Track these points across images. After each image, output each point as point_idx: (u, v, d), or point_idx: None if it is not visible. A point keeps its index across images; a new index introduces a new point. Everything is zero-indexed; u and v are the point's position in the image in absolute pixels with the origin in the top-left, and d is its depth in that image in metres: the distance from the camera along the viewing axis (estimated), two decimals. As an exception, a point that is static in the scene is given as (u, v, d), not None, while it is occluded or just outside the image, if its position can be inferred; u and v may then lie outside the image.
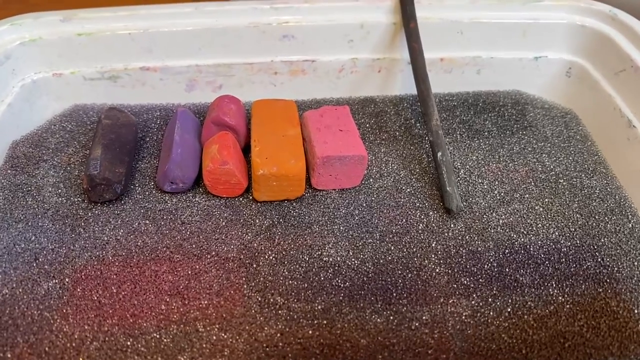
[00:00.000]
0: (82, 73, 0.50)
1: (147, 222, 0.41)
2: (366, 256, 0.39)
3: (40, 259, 0.38)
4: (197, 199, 0.43)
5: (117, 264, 0.38)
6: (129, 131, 0.45)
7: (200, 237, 0.40)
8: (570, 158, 0.47)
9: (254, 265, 0.38)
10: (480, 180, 0.45)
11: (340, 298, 0.37)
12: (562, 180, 0.45)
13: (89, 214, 0.41)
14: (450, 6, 0.51)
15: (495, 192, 0.44)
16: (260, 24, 0.50)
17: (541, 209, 0.43)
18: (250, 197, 0.43)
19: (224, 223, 0.41)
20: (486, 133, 0.49)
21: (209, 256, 0.39)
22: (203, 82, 0.52)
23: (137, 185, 0.44)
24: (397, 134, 0.49)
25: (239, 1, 0.50)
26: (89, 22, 0.49)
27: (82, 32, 0.49)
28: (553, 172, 0.46)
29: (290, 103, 0.47)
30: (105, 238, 0.40)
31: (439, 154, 0.44)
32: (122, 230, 0.40)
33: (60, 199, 0.42)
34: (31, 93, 0.49)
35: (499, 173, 0.46)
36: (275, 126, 0.44)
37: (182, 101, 0.53)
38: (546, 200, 0.43)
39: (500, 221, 0.42)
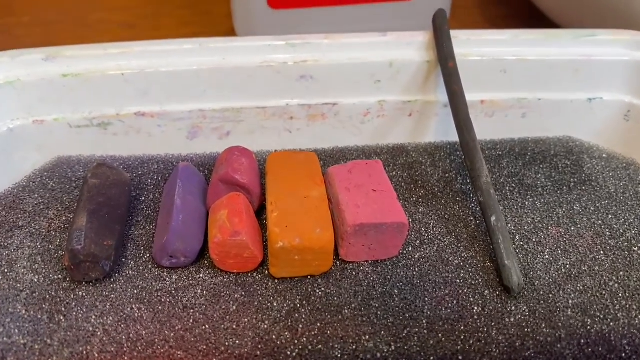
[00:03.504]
0: (68, 120, 0.43)
1: (142, 306, 0.34)
2: (413, 351, 0.32)
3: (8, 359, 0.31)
4: (201, 276, 0.36)
5: (104, 364, 0.31)
6: (120, 192, 0.38)
7: (207, 326, 0.33)
8: (642, 220, 0.40)
9: (274, 365, 0.31)
10: (540, 249, 0.38)
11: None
12: (636, 248, 0.38)
13: (71, 297, 0.34)
14: (491, 41, 0.45)
15: (560, 263, 0.37)
16: (275, 62, 0.43)
17: (617, 285, 0.35)
18: (266, 273, 0.36)
19: (234, 307, 0.34)
20: (540, 189, 0.42)
21: (217, 353, 0.31)
22: (208, 129, 0.45)
23: (129, 258, 0.36)
24: (436, 189, 0.42)
25: (250, 37, 0.44)
26: (76, 61, 0.42)
27: (68, 72, 0.42)
28: (624, 238, 0.39)
29: (311, 156, 0.40)
30: (91, 328, 0.32)
31: (493, 218, 0.36)
32: (111, 318, 0.33)
33: (36, 276, 0.35)
34: (7, 143, 0.42)
35: (561, 239, 0.38)
36: (295, 185, 0.37)
37: (184, 151, 0.46)
38: (621, 273, 0.36)
39: (570, 302, 0.34)
